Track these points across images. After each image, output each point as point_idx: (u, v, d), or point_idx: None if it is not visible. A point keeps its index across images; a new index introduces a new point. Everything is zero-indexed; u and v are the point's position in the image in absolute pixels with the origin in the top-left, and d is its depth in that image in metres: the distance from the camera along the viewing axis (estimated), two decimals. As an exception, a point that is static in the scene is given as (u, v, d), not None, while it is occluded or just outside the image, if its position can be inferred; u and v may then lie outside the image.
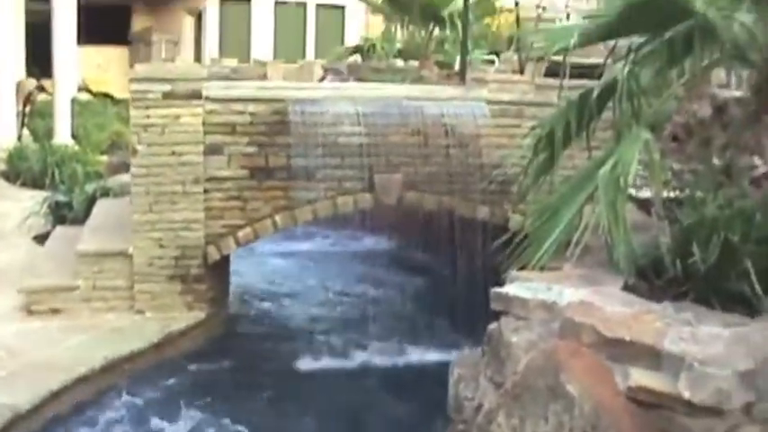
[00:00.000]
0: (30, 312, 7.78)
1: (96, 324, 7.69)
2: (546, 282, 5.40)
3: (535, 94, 8.89)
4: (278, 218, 8.10)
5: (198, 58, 23.76)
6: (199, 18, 24.61)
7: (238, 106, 7.95)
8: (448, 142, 8.26)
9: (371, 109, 8.07)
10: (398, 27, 17.89)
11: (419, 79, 15.75)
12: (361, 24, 26.73)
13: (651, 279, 5.18)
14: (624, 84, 6.69)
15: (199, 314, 7.98)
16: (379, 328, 8.44)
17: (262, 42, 24.11)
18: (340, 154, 8.11)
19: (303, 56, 24.41)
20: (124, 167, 14.02)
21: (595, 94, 6.78)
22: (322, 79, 19.05)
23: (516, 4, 17.43)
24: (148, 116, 7.76)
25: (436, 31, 16.75)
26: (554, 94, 8.78)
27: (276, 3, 24.14)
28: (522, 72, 16.94)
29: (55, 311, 7.81)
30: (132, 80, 7.84)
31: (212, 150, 7.92)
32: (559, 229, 6.00)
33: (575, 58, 14.98)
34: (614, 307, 4.73)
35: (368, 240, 12.22)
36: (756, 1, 5.83)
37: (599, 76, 9.30)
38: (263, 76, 18.47)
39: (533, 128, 7.15)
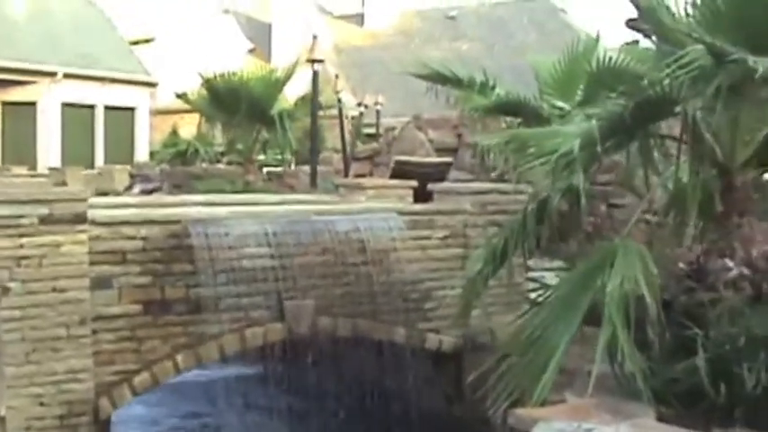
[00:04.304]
0: None
1: None
2: (567, 419, 4.87)
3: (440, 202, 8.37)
4: (179, 358, 6.95)
5: (-22, 166, 21.66)
6: (-22, 123, 22.56)
7: (129, 230, 6.82)
8: (362, 259, 7.47)
9: (280, 228, 7.15)
10: (213, 129, 17.04)
11: (246, 185, 15.00)
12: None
13: (677, 407, 4.87)
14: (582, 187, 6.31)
15: (90, 483, 6.61)
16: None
17: (48, 147, 22.32)
18: (246, 280, 7.12)
19: (92, 160, 22.88)
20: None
21: (555, 200, 6.37)
22: (129, 187, 17.84)
23: (339, 100, 17.17)
24: (22, 246, 6.47)
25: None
26: (459, 201, 8.34)
27: (63, 105, 22.49)
28: (346, 173, 16.59)
29: None
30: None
31: (99, 284, 6.71)
32: (556, 358, 5.42)
33: (416, 159, 14.67)
34: (671, 445, 4.31)
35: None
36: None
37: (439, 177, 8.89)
38: (62, 185, 16.99)
39: (490, 237, 6.59)
